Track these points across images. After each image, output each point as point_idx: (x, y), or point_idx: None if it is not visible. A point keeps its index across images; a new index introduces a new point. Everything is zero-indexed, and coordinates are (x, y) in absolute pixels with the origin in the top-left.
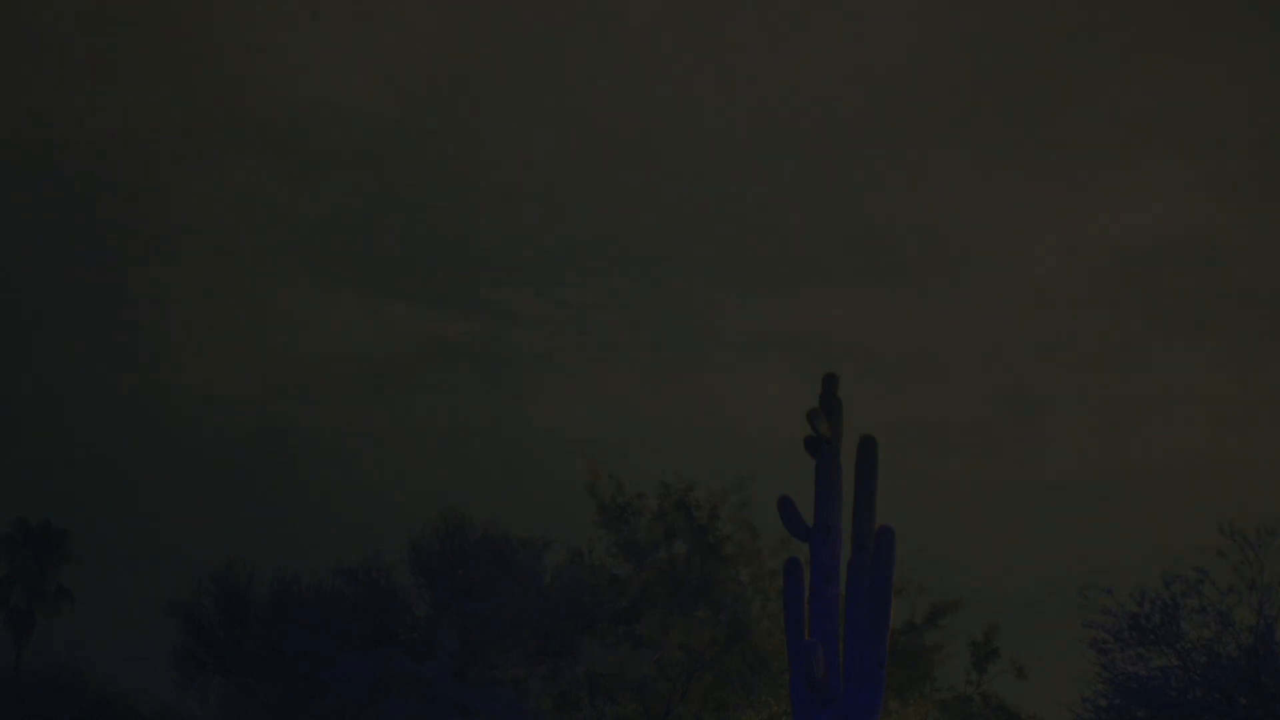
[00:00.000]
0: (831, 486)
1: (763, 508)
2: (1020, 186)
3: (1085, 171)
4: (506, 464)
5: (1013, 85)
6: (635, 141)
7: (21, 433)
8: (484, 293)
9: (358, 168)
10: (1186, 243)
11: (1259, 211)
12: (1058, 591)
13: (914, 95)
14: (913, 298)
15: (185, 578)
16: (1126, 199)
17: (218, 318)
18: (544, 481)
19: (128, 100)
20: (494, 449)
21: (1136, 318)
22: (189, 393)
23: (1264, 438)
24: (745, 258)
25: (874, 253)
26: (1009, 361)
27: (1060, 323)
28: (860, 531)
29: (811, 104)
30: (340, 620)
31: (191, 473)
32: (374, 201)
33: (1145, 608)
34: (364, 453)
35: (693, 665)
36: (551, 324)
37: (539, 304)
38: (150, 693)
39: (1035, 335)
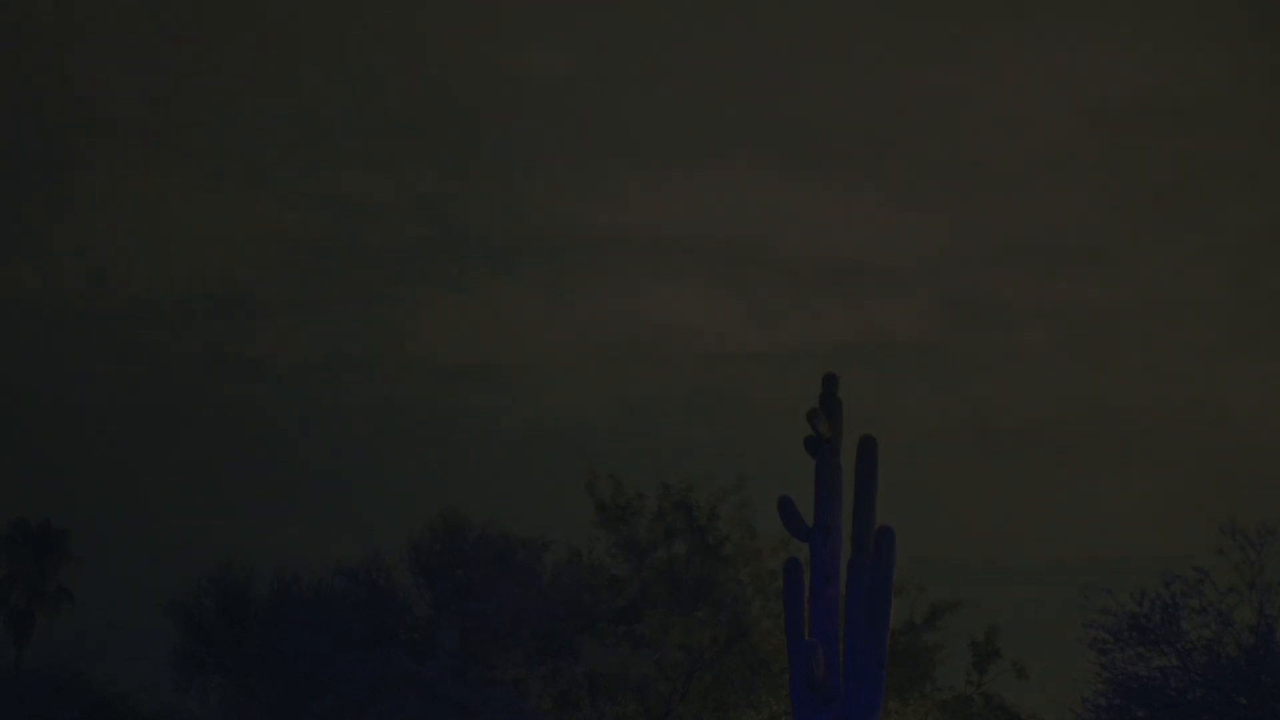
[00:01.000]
0: (831, 486)
1: (762, 508)
2: (957, 47)
3: (1034, 24)
4: (386, 401)
5: None
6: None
7: (21, 433)
8: (333, 183)
9: (183, 36)
10: (1162, 107)
11: (1250, 66)
12: (1058, 590)
13: None
14: (839, 192)
15: (185, 578)
16: (1086, 57)
17: (35, 215)
18: (441, 423)
19: None
20: (377, 388)
21: (1105, 204)
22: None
23: (1264, 355)
24: (645, 142)
25: (790, 139)
26: (958, 267)
27: (1015, 215)
28: (860, 531)
29: None
30: (340, 620)
31: (191, 471)
32: (204, 74)
33: (1145, 607)
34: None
35: (693, 665)
36: (413, 221)
37: (396, 196)
38: (150, 693)
39: (986, 233)
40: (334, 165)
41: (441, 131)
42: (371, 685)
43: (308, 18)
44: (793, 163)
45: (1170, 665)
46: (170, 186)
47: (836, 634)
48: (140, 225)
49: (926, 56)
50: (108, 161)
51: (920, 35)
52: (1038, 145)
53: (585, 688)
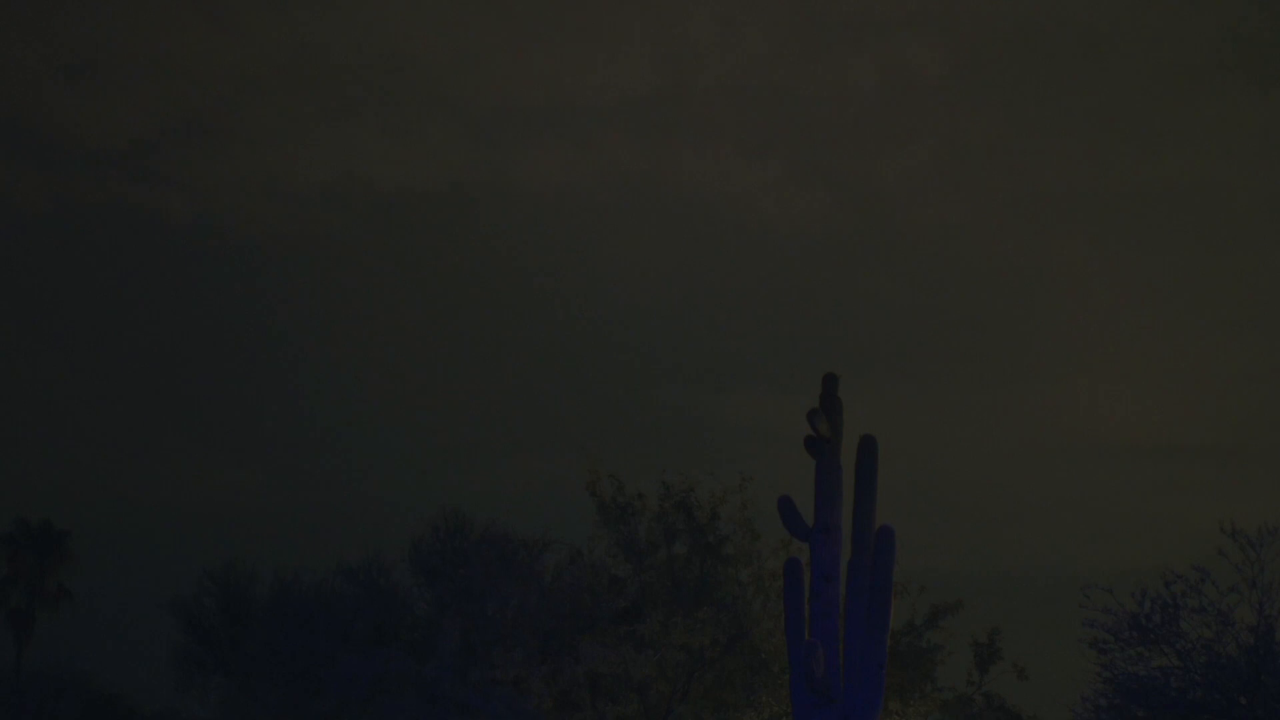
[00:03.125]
0: (831, 486)
1: (763, 508)
2: None
3: None
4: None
5: None
6: None
7: (21, 433)
8: None
9: None
10: None
11: None
12: (1058, 587)
13: None
14: None
15: (185, 578)
16: None
17: None
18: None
19: None
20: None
21: None
22: None
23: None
24: None
25: None
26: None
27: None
28: (860, 531)
29: None
30: (340, 620)
31: (191, 470)
32: None
33: (1145, 607)
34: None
35: (694, 665)
36: None
37: None
38: (150, 693)
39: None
40: None
41: None
42: (371, 685)
43: None
44: None
45: (1170, 665)
46: None
47: (837, 634)
48: None
49: None
50: None
51: None
52: None
53: (586, 688)
